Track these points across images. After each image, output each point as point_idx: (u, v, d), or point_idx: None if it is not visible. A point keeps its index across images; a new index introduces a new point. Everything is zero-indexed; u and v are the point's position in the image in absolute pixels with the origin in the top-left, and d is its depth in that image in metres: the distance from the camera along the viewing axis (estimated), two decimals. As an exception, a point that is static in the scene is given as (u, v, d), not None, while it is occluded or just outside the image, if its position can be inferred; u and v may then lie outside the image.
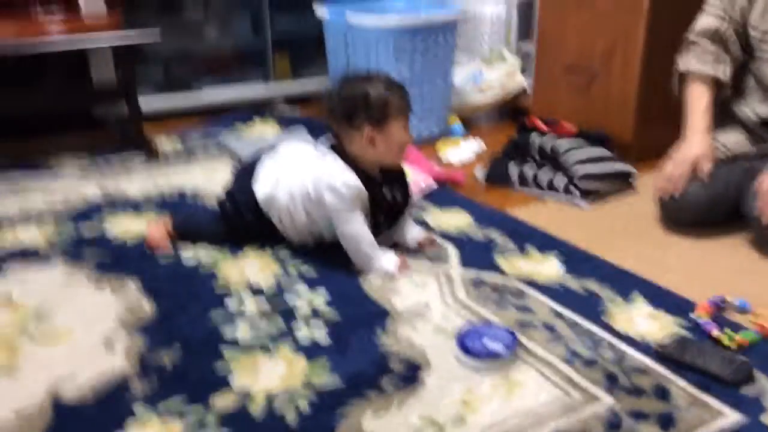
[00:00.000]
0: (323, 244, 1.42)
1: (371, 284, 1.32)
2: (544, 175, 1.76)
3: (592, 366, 1.06)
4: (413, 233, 1.47)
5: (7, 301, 1.27)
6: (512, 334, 1.11)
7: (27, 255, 1.45)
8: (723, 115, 1.59)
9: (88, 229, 1.57)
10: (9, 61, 2.01)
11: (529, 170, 1.79)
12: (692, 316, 1.18)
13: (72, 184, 1.84)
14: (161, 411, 0.97)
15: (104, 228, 1.57)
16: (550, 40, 2.14)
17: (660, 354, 1.07)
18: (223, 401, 0.99)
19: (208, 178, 1.86)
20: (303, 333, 1.16)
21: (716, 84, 1.56)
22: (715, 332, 1.11)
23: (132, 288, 1.31)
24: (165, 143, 2.15)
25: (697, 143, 1.52)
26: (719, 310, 1.21)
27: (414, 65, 2.09)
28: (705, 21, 1.57)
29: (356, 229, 1.33)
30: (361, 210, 1.34)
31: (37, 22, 1.88)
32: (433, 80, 2.16)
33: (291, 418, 0.96)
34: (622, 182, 1.78)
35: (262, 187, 1.40)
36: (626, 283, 1.32)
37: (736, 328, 1.15)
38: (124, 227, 1.57)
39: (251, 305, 1.25)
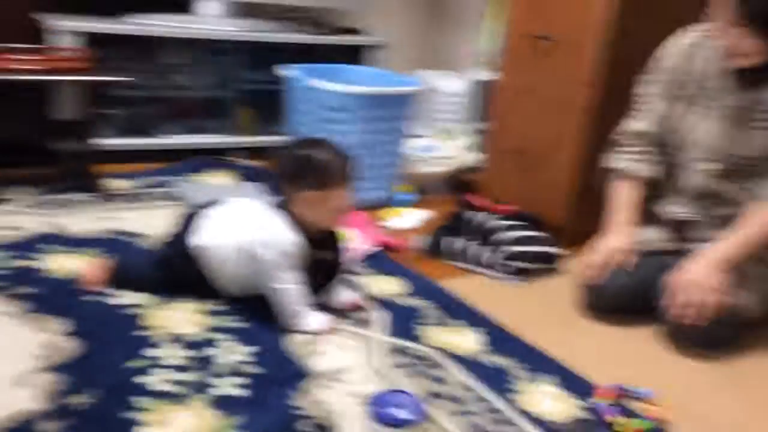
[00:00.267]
0: (253, 299, 1.46)
1: (295, 343, 1.36)
2: (479, 250, 1.84)
3: (491, 442, 1.11)
4: (343, 295, 1.52)
5: (-71, 328, 1.27)
6: (420, 403, 1.16)
7: (-43, 284, 1.45)
8: (645, 212, 1.70)
9: (24, 262, 1.58)
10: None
11: (465, 245, 1.86)
12: (592, 400, 1.24)
13: (15, 216, 1.85)
14: (63, 453, 0.98)
15: (39, 263, 1.59)
16: (501, 123, 2.25)
17: (556, 435, 1.13)
18: (126, 448, 1.01)
19: (153, 223, 1.89)
20: (219, 387, 1.19)
21: (642, 182, 1.67)
22: (609, 417, 1.17)
23: (56, 326, 1.33)
24: (117, 184, 2.18)
25: (619, 235, 1.62)
26: (620, 396, 1.28)
27: (368, 133, 2.17)
28: (636, 124, 1.69)
29: (288, 287, 1.38)
30: (298, 269, 1.39)
31: (6, 55, 1.93)
32: (386, 148, 2.25)
33: (191, 470, 0.98)
34: (552, 265, 1.87)
35: (202, 236, 1.44)
36: (538, 363, 1.38)
37: (634, 415, 1.21)
38: (59, 263, 1.59)
39: (172, 355, 1.27)
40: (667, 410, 1.24)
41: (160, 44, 2.52)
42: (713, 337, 1.50)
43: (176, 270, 1.47)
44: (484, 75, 2.54)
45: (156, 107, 2.59)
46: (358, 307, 1.52)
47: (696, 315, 1.45)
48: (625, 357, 1.47)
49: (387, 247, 1.92)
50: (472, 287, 1.73)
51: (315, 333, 1.39)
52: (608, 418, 1.17)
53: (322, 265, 1.46)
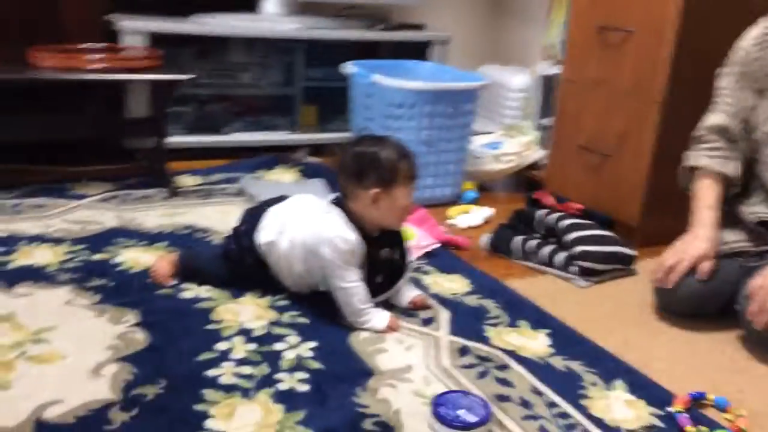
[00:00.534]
0: (319, 295, 1.46)
1: (359, 340, 1.36)
2: (546, 249, 1.79)
3: (561, 448, 1.08)
4: (408, 293, 1.50)
5: (11, 318, 1.33)
6: (487, 405, 1.13)
7: (38, 275, 1.51)
8: (726, 212, 1.62)
9: (99, 256, 1.64)
10: (53, 90, 2.13)
11: (532, 243, 1.82)
12: (669, 408, 1.19)
13: (91, 212, 1.92)
14: (135, 444, 1.00)
15: (114, 257, 1.64)
16: (567, 118, 2.20)
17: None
18: (195, 441, 1.02)
19: (222, 219, 1.92)
20: (285, 382, 1.20)
21: (724, 180, 1.59)
22: (688, 427, 1.12)
23: (129, 318, 1.36)
24: (187, 180, 2.23)
25: (702, 240, 1.53)
26: (698, 405, 1.22)
27: (433, 129, 2.15)
28: (714, 118, 1.61)
29: (349, 285, 1.37)
30: (357, 267, 1.38)
31: (82, 55, 2.00)
32: (451, 145, 2.22)
33: (258, 465, 0.98)
34: (623, 265, 1.80)
35: (266, 233, 1.46)
36: (610, 368, 1.33)
37: (713, 425, 1.16)
38: (133, 258, 1.64)
39: (239, 349, 1.29)
40: (745, 420, 1.17)
41: (226, 43, 2.57)
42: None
43: (241, 265, 1.49)
44: (551, 69, 2.48)
45: (223, 105, 2.64)
46: (423, 306, 1.51)
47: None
48: (702, 363, 1.41)
49: (453, 245, 1.90)
50: (540, 287, 1.69)
51: (379, 331, 1.39)
52: (687, 428, 1.12)
53: (387, 263, 1.45)
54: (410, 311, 1.49)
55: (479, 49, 3.27)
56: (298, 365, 1.25)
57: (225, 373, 1.20)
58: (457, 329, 1.44)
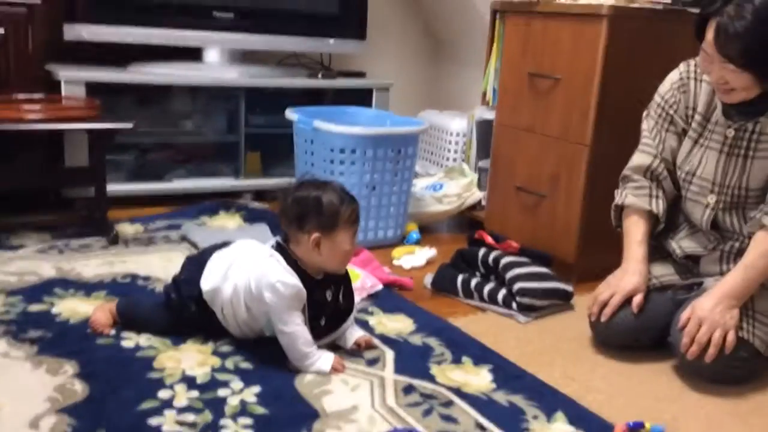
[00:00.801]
0: (264, 340, 1.46)
1: (304, 383, 1.36)
2: (488, 287, 1.83)
3: (505, 481, 1.10)
4: (353, 334, 1.51)
5: (-60, 374, 1.28)
6: (432, 443, 1.15)
7: (-31, 329, 1.46)
8: (655, 246, 1.70)
9: (36, 307, 1.60)
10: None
11: (473, 281, 1.86)
12: (607, 437, 1.23)
13: (28, 262, 1.87)
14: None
15: (52, 307, 1.60)
16: (503, 160, 2.28)
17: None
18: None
19: (164, 267, 1.90)
20: (228, 428, 1.18)
21: (650, 217, 1.67)
22: (626, 455, 1.16)
23: (67, 369, 1.33)
24: (128, 228, 2.21)
25: (632, 274, 1.60)
26: (635, 433, 1.26)
27: (375, 173, 2.20)
28: (639, 159, 1.70)
29: (292, 329, 1.38)
30: (300, 311, 1.39)
31: (20, 105, 1.98)
32: (393, 188, 2.27)
33: None
34: (561, 300, 1.86)
35: (210, 279, 1.45)
36: (551, 401, 1.37)
37: (649, 452, 1.20)
38: (71, 308, 1.60)
39: (182, 396, 1.27)
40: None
41: (168, 92, 2.58)
42: (726, 372, 1.48)
43: (183, 314, 1.47)
44: (488, 114, 2.57)
45: (165, 153, 2.63)
46: (368, 346, 1.52)
47: (708, 351, 1.44)
48: (639, 393, 1.46)
49: (397, 286, 1.92)
50: (482, 324, 1.72)
51: (324, 373, 1.39)
52: (624, 454, 1.16)
53: (331, 305, 1.46)
54: (355, 352, 1.50)
55: (419, 94, 3.37)
56: (242, 411, 1.24)
57: (167, 422, 1.18)
58: (402, 368, 1.45)
